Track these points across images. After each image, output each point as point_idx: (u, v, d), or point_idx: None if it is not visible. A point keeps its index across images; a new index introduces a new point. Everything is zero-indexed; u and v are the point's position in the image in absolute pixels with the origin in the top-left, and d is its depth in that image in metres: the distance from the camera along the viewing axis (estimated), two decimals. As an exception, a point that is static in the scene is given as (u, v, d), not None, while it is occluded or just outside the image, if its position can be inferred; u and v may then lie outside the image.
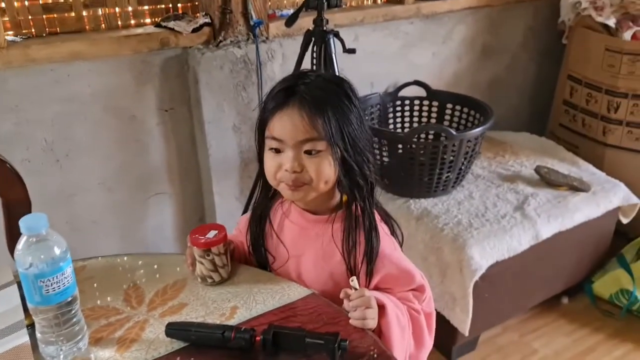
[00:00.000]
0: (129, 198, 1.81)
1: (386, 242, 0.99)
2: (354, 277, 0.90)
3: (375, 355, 0.83)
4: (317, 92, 0.91)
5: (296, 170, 0.91)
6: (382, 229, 1.00)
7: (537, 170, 2.03)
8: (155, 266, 1.05)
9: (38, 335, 0.82)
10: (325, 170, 0.92)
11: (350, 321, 0.88)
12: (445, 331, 1.82)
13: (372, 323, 0.88)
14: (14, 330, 0.85)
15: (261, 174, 1.00)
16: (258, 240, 1.05)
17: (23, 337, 0.84)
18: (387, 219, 1.05)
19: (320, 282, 1.00)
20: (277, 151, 0.93)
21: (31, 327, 0.86)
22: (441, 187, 1.91)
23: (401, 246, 1.05)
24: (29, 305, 0.80)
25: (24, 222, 0.76)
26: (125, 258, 1.08)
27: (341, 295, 0.91)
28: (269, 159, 0.95)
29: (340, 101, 0.93)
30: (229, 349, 0.84)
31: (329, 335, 0.82)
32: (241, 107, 1.80)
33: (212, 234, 0.98)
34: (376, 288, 0.98)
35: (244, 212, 1.79)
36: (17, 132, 1.58)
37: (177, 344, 0.86)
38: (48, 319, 0.80)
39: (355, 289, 0.89)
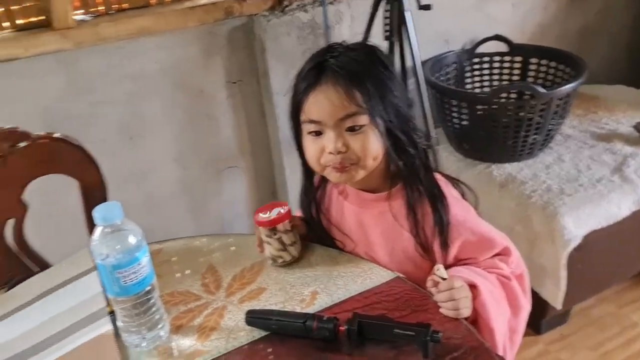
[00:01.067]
0: (201, 174, 1.81)
1: (457, 207, 0.91)
2: (440, 266, 0.82)
3: (470, 347, 0.76)
4: (349, 63, 0.85)
5: (341, 151, 0.85)
6: (451, 194, 0.93)
7: (637, 127, 1.84)
8: (232, 248, 1.02)
9: (119, 324, 0.81)
10: (372, 145, 0.86)
11: (442, 311, 0.81)
12: (533, 304, 1.71)
13: (466, 312, 0.81)
14: (96, 318, 0.85)
15: (303, 162, 0.95)
16: (320, 229, 0.99)
17: (106, 326, 0.84)
18: (455, 183, 0.97)
19: (395, 263, 0.93)
20: (317, 134, 0.87)
21: (113, 313, 0.85)
22: (527, 151, 1.77)
23: (476, 210, 0.96)
24: (109, 296, 0.79)
25: (98, 212, 0.74)
26: (201, 239, 1.06)
27: (428, 285, 0.84)
28: (310, 144, 0.89)
29: (375, 69, 0.86)
30: (311, 339, 0.79)
31: (420, 327, 0.75)
32: (310, 75, 1.73)
33: (275, 211, 0.93)
34: (456, 260, 0.91)
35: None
36: (91, 113, 1.59)
37: (258, 333, 0.82)
38: (128, 309, 0.79)
39: (443, 279, 0.82)
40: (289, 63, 1.69)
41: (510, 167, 1.76)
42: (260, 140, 1.85)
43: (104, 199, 1.01)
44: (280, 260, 0.95)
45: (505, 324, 0.89)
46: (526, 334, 1.70)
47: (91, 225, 1.05)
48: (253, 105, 1.79)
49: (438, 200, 0.90)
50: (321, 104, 0.84)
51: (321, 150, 0.87)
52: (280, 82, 1.70)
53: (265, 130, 1.84)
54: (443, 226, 0.89)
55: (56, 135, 1.00)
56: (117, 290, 0.76)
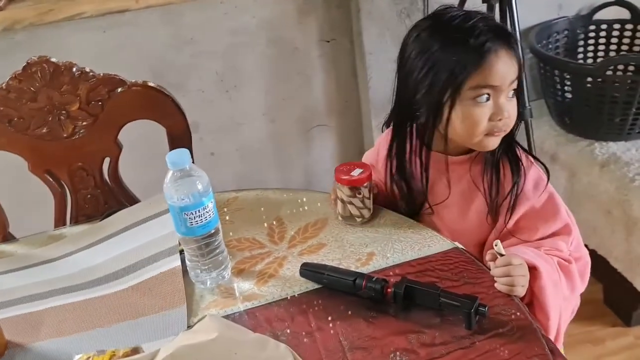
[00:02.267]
0: (291, 129, 1.86)
1: (533, 172, 0.93)
2: (498, 241, 0.80)
3: (517, 325, 0.74)
4: (504, 28, 0.89)
5: (510, 114, 0.87)
6: (528, 159, 0.94)
7: None
8: (301, 203, 1.06)
9: (187, 262, 0.89)
10: (516, 110, 0.88)
11: (496, 285, 0.79)
12: (624, 294, 1.60)
13: (521, 290, 0.78)
14: (168, 254, 0.93)
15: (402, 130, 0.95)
16: (409, 191, 0.99)
17: (175, 262, 0.91)
18: (527, 153, 0.97)
19: (466, 225, 0.95)
20: (487, 99, 0.86)
21: (184, 252, 0.92)
22: (637, 130, 1.61)
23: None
24: (177, 235, 0.86)
25: (169, 158, 0.80)
26: (274, 191, 1.11)
27: (487, 259, 0.82)
28: (477, 112, 0.85)
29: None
30: (359, 297, 0.81)
31: (466, 298, 0.74)
32: (405, 37, 1.69)
33: (357, 171, 0.94)
34: (517, 227, 0.91)
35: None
36: (192, 63, 1.68)
37: (311, 285, 0.86)
38: (194, 249, 0.85)
39: (501, 255, 0.79)
40: (384, 23, 1.66)
41: (615, 146, 1.62)
42: (350, 100, 1.86)
43: (188, 145, 1.08)
44: (358, 220, 0.97)
45: (559, 309, 0.86)
46: (616, 324, 1.61)
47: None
48: (345, 65, 1.79)
49: (514, 164, 0.91)
50: (499, 68, 0.83)
51: (487, 115, 0.86)
52: (374, 42, 1.68)
53: (356, 90, 1.84)
54: (517, 191, 0.90)
55: (150, 84, 1.08)
56: (184, 230, 0.83)
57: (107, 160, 1.12)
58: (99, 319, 0.85)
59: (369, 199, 0.96)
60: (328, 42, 1.74)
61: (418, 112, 0.91)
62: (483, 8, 1.49)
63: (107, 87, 1.04)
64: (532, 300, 0.83)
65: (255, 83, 1.76)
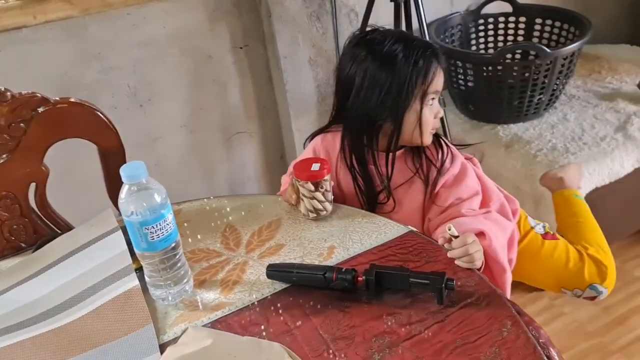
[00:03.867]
0: (211, 138, 1.83)
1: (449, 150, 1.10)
2: (451, 225, 0.86)
3: (483, 294, 0.79)
4: (430, 43, 1.06)
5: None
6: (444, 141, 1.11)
7: (642, 86, 1.85)
8: (248, 208, 1.05)
9: (147, 279, 0.85)
10: None
11: (456, 262, 0.85)
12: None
13: (479, 263, 0.85)
14: (123, 275, 0.88)
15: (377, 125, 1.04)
16: (369, 188, 1.08)
17: (133, 281, 0.87)
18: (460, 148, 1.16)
19: (414, 206, 1.07)
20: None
21: (139, 270, 0.88)
22: (532, 111, 1.79)
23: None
24: (137, 252, 0.82)
25: (124, 171, 0.77)
26: (218, 200, 1.09)
27: (440, 242, 0.88)
28: (430, 112, 1.03)
29: None
30: (331, 290, 0.83)
31: (435, 275, 0.79)
32: (316, 39, 1.73)
33: (316, 166, 0.96)
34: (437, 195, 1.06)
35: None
36: (101, 79, 1.60)
37: (279, 285, 0.86)
38: (155, 264, 0.82)
39: (455, 237, 0.86)
40: (295, 27, 1.69)
41: (515, 128, 1.78)
42: (267, 104, 1.87)
43: (122, 162, 1.04)
44: (323, 213, 0.99)
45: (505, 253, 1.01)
46: (532, 290, 1.76)
47: (111, 188, 1.08)
48: (260, 70, 1.80)
49: (439, 145, 1.09)
50: (440, 77, 1.02)
51: (435, 116, 1.04)
52: (287, 45, 1.70)
53: (272, 95, 1.85)
54: (442, 162, 1.07)
55: (74, 99, 1.02)
56: (145, 246, 0.80)
57: (32, 185, 1.04)
58: (57, 354, 0.79)
59: (329, 191, 0.98)
60: (241, 48, 1.74)
61: (379, 120, 1.02)
62: (390, 7, 1.58)
63: (29, 106, 0.96)
64: (486, 260, 0.92)
65: (171, 95, 1.71)
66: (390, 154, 1.05)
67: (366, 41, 1.03)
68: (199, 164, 1.84)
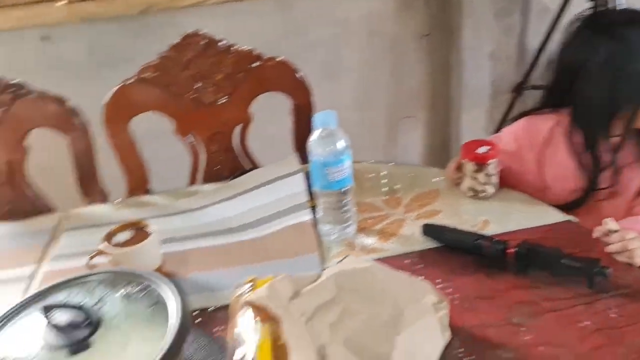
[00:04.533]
0: (378, 119, 1.95)
1: None
2: (608, 219, 0.86)
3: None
4: None
5: None
6: None
7: None
8: (412, 176, 1.14)
9: (318, 215, 0.99)
10: None
11: (615, 256, 0.85)
12: None
13: (639, 260, 0.84)
14: (299, 209, 1.03)
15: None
16: (591, 173, 1.05)
17: (306, 216, 1.01)
18: None
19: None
20: None
21: (312, 209, 1.02)
22: None
23: None
24: (315, 189, 0.96)
25: (318, 117, 0.90)
26: (385, 165, 1.20)
27: (595, 235, 0.88)
28: None
29: None
30: (480, 256, 0.88)
31: (588, 260, 0.80)
32: (501, 35, 1.76)
33: (484, 149, 1.01)
34: None
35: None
36: (299, 53, 1.79)
37: (432, 244, 0.94)
38: (328, 202, 0.95)
39: (614, 231, 0.85)
40: (482, 20, 1.73)
41: None
42: (440, 93, 1.93)
43: (310, 117, 1.19)
44: (482, 195, 1.03)
45: None
46: None
47: (297, 139, 1.24)
48: (439, 59, 1.87)
49: None
50: None
51: None
52: (471, 38, 1.75)
53: (447, 84, 1.91)
54: None
55: (280, 59, 1.19)
56: (324, 184, 0.93)
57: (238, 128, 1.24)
58: (238, 259, 0.96)
59: (494, 175, 1.02)
60: (425, 36, 1.83)
61: (614, 105, 0.99)
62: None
63: (248, 60, 1.16)
64: None
65: (350, 72, 1.86)
66: (619, 139, 1.01)
67: (599, 23, 1.00)
68: (362, 142, 1.97)
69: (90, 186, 1.22)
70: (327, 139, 0.91)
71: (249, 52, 1.16)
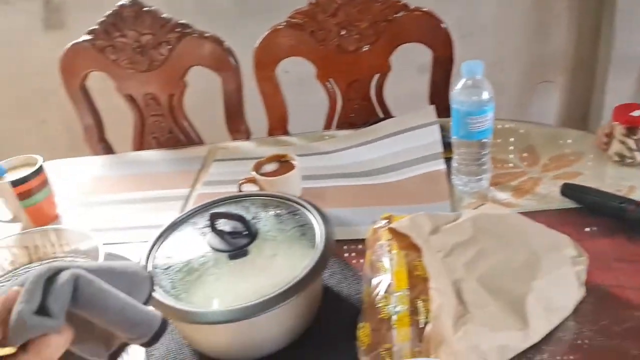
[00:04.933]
0: (516, 81, 1.88)
1: None
2: None
3: None
4: None
5: None
6: None
7: None
8: (553, 136, 1.11)
9: (453, 165, 1.00)
10: None
11: None
12: None
13: None
14: (433, 158, 1.05)
15: None
16: None
17: (440, 165, 1.04)
18: None
19: None
20: None
21: (446, 160, 1.04)
22: None
23: None
24: (454, 138, 0.97)
25: (465, 66, 0.91)
26: (524, 124, 1.17)
27: None
28: None
29: None
30: (623, 221, 0.85)
31: None
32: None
33: (638, 112, 0.96)
34: None
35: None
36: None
37: (570, 204, 0.92)
38: (465, 153, 0.96)
39: None
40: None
41: None
42: (585, 58, 1.82)
43: (450, 72, 1.19)
44: (628, 161, 0.99)
45: None
46: None
47: (435, 91, 1.25)
48: (589, 21, 1.75)
49: None
50: None
51: None
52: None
53: (594, 49, 1.79)
54: None
55: (426, 9, 1.19)
56: (463, 133, 0.94)
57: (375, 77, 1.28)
58: (371, 200, 1.01)
59: None
60: (576, -6, 1.72)
61: None
62: None
63: (393, 10, 1.18)
64: None
65: (490, 31, 1.80)
66: None
67: None
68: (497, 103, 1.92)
69: (236, 123, 1.33)
70: (472, 88, 0.92)
71: (396, 1, 1.17)
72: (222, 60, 1.24)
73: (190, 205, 1.07)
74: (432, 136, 1.10)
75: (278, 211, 0.81)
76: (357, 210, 0.99)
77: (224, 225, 0.77)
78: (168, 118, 1.34)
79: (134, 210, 1.09)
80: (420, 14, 1.18)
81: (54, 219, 1.09)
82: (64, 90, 1.34)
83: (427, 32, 1.19)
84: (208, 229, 0.77)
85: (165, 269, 0.74)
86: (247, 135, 1.34)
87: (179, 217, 0.83)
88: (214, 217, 0.76)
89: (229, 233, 0.76)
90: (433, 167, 1.04)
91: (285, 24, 1.23)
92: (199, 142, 1.38)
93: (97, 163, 1.29)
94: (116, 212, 1.09)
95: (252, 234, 0.75)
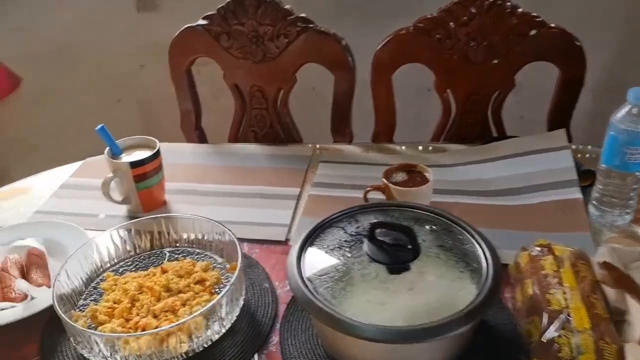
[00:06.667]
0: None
1: None
2: None
3: None
4: None
5: None
6: None
7: None
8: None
9: (595, 195, 0.94)
10: None
11: None
12: None
13: None
14: (568, 185, 0.99)
15: None
16: None
17: (577, 194, 0.98)
18: None
19: None
20: None
21: (584, 187, 0.98)
22: None
23: None
24: (602, 167, 0.91)
25: (632, 93, 0.85)
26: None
27: None
28: None
29: None
30: None
31: None
32: None
33: None
34: None
35: None
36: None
37: None
38: (614, 184, 0.90)
39: None
40: None
41: None
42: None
43: (578, 93, 1.14)
44: None
45: None
46: None
47: (558, 112, 1.19)
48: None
49: None
50: None
51: None
52: None
53: None
54: None
55: (562, 27, 1.13)
56: (618, 163, 0.88)
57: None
58: (504, 222, 0.94)
59: None
60: None
61: None
62: None
63: (529, 26, 1.12)
64: None
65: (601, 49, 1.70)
66: None
67: None
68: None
69: (342, 126, 1.28)
70: (637, 117, 0.86)
71: (533, 17, 1.12)
72: (340, 60, 1.20)
73: (302, 206, 1.02)
74: (564, 161, 1.04)
75: (433, 227, 0.77)
76: (491, 232, 0.93)
77: (382, 235, 0.72)
78: (272, 112, 1.30)
79: (244, 204, 1.05)
80: (557, 32, 1.12)
81: (163, 204, 1.05)
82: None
83: (558, 50, 1.14)
84: (360, 236, 0.73)
85: (320, 275, 0.69)
86: (349, 139, 1.29)
87: (324, 220, 0.78)
88: (375, 227, 0.72)
89: (391, 245, 0.71)
90: (569, 195, 0.98)
91: (411, 28, 1.18)
92: (299, 140, 1.33)
93: (198, 151, 1.25)
94: (225, 204, 1.05)
95: (416, 250, 0.70)
